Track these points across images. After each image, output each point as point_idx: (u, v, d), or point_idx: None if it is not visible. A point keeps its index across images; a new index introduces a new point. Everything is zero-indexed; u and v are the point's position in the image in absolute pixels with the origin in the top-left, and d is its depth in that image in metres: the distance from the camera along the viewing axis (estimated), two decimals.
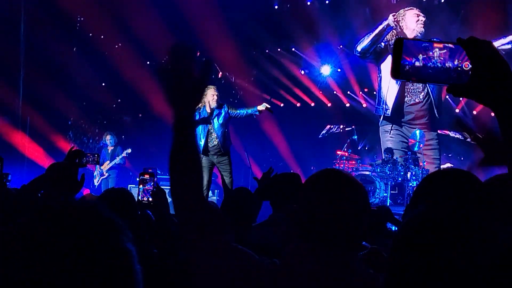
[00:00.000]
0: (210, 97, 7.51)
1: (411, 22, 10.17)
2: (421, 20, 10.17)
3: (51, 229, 0.76)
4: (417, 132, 11.15)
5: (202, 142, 7.54)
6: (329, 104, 14.90)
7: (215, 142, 7.58)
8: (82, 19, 13.35)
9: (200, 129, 7.59)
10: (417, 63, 1.04)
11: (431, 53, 1.04)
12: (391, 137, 11.24)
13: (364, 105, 14.48)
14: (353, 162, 11.33)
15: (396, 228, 4.67)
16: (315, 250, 1.46)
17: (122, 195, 2.90)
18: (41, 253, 0.74)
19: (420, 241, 0.89)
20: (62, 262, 0.73)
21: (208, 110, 7.57)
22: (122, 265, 0.79)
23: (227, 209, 3.33)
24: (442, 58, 1.04)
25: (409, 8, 10.46)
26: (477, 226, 0.88)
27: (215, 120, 7.59)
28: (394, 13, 10.16)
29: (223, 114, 7.61)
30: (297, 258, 1.46)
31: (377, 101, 11.15)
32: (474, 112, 13.23)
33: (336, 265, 1.44)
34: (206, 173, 7.54)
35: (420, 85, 10.42)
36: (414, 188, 1.52)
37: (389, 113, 10.76)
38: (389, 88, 10.77)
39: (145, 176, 3.46)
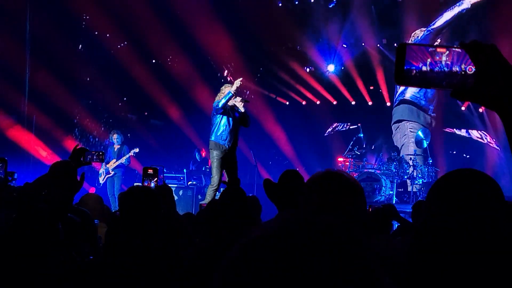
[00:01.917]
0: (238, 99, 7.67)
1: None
2: (437, 41, 10.39)
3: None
4: (422, 130, 11.14)
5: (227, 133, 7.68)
6: (334, 102, 14.87)
7: (233, 135, 7.77)
8: (87, 17, 13.36)
9: (225, 120, 7.68)
10: (422, 68, 1.03)
11: (435, 57, 1.03)
12: (404, 135, 11.49)
13: (370, 103, 14.45)
14: (359, 160, 11.32)
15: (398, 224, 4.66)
16: None
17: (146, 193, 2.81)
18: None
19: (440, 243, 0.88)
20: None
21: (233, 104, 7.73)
22: None
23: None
24: (445, 63, 1.03)
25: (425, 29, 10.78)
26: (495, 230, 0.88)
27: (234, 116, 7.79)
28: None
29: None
30: None
31: (396, 101, 11.48)
32: (480, 110, 13.15)
33: None
34: (220, 172, 7.66)
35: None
36: (430, 188, 1.47)
37: (406, 113, 11.14)
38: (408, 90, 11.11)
39: (149, 171, 3.46)
